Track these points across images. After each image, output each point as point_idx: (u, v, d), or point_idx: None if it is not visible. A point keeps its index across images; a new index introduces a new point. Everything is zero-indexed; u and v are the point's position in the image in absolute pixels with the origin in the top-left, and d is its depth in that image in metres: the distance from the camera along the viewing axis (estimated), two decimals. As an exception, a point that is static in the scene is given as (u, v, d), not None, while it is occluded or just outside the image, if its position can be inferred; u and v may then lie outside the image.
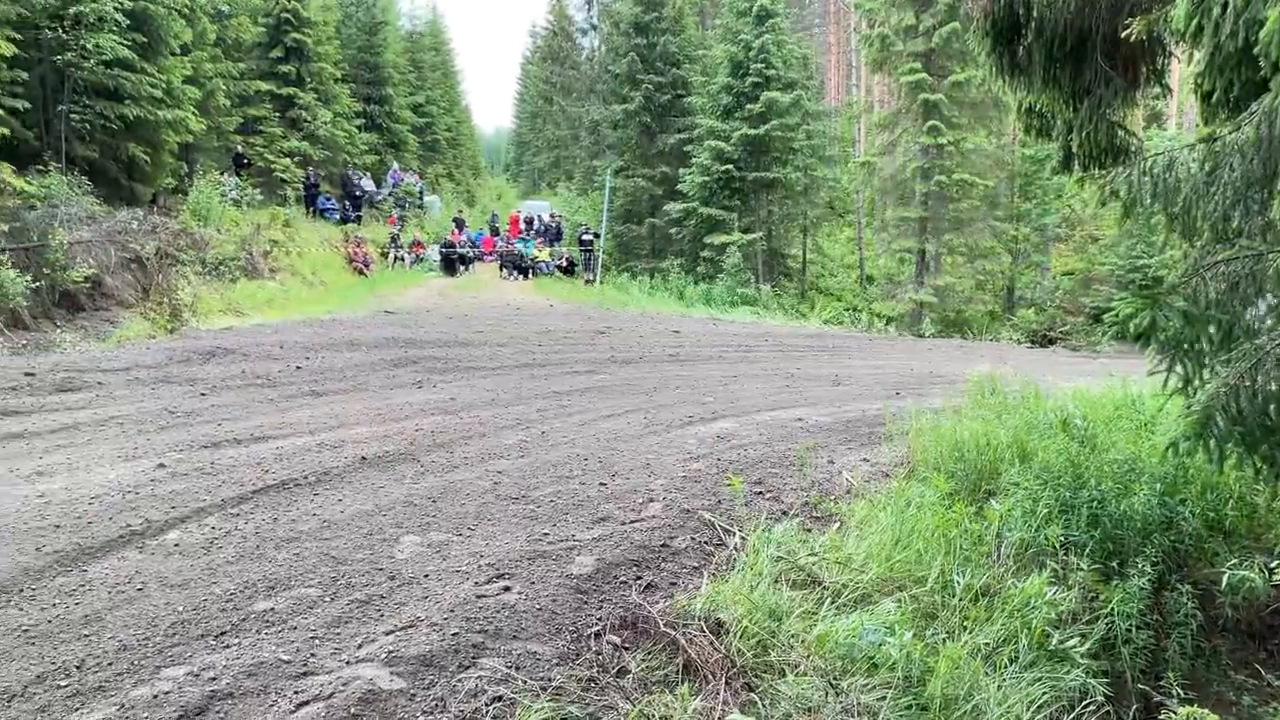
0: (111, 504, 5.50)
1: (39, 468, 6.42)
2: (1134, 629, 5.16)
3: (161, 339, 13.85)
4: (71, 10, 16.70)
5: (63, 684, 3.39)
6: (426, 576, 4.42)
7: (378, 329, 15.12)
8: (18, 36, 15.16)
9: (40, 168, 15.98)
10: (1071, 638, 4.54)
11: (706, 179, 29.84)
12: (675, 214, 30.87)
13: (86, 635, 3.78)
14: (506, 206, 43.17)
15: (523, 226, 35.02)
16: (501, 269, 30.30)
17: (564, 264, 31.17)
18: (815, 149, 32.25)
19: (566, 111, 50.83)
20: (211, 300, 17.79)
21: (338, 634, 3.77)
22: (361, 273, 26.34)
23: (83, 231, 15.61)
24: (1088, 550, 5.54)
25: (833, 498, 6.19)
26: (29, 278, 13.65)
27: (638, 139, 34.03)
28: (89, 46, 16.78)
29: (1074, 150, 6.14)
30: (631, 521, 5.39)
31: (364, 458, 6.75)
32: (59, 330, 13.85)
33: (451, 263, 29.17)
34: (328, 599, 4.14)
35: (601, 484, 6.23)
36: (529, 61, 66.70)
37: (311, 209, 28.71)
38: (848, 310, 28.51)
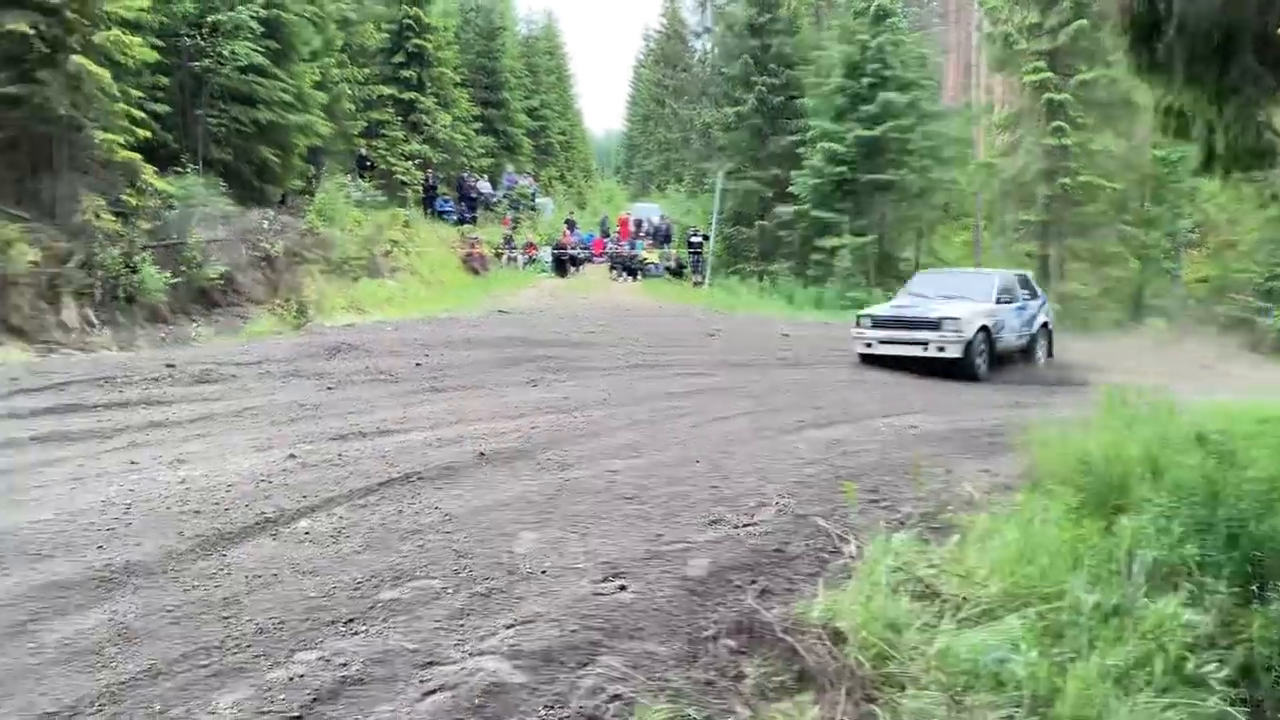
0: (247, 492, 5.76)
1: (180, 455, 6.77)
2: (1275, 656, 4.88)
3: (289, 335, 14.44)
4: (210, 19, 17.58)
5: (204, 663, 3.54)
6: (544, 573, 4.49)
7: (493, 328, 15.44)
8: (160, 43, 16.02)
9: (179, 169, 16.88)
10: (1209, 662, 4.31)
11: (819, 181, 29.35)
12: (785, 217, 30.49)
13: (226, 617, 3.95)
14: (616, 209, 43.46)
15: (632, 228, 35.22)
16: (611, 270, 30.58)
17: (673, 266, 31.23)
18: (932, 150, 31.41)
19: (678, 114, 50.81)
20: (335, 298, 18.49)
21: (460, 625, 3.86)
22: (476, 272, 26.94)
23: (217, 231, 16.45)
24: (1225, 572, 5.25)
25: (951, 508, 6.01)
26: (168, 274, 14.44)
27: (749, 141, 33.75)
28: (225, 53, 17.65)
29: (1217, 152, 5.86)
30: (745, 525, 5.36)
31: (482, 453, 6.90)
32: (194, 324, 14.63)
33: (563, 264, 29.60)
34: (450, 591, 4.25)
35: (714, 486, 6.22)
36: (641, 65, 66.99)
37: (430, 210, 29.55)
38: (964, 316, 27.60)
